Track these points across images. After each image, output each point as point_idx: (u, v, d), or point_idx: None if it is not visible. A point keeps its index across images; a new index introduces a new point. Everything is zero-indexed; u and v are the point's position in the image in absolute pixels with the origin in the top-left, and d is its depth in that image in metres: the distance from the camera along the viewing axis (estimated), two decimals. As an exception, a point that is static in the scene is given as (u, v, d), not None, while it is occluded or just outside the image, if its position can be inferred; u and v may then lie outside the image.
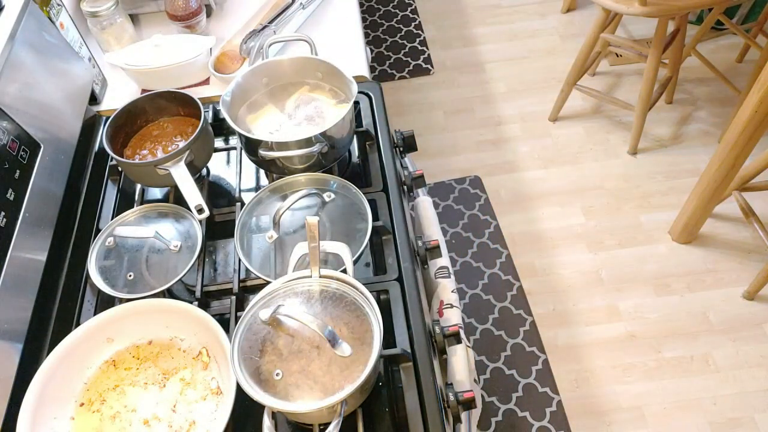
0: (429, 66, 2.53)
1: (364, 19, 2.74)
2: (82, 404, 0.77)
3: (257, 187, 1.05)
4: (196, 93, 1.14)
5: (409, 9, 2.79)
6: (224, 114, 0.94)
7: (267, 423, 0.68)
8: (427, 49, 2.60)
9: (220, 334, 0.77)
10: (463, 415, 0.80)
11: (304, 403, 0.64)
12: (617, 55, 2.46)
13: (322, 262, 0.77)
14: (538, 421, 1.61)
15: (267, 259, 0.87)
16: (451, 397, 0.78)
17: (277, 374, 0.65)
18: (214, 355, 0.80)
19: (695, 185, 1.80)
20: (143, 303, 0.82)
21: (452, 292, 0.95)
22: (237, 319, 0.82)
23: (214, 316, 0.79)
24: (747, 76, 2.16)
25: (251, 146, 0.94)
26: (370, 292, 0.72)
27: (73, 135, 1.00)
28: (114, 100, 1.23)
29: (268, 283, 0.76)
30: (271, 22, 1.30)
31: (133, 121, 1.01)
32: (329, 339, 0.65)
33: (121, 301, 0.83)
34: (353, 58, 1.28)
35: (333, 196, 0.92)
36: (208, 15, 1.38)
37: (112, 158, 1.04)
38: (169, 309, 0.81)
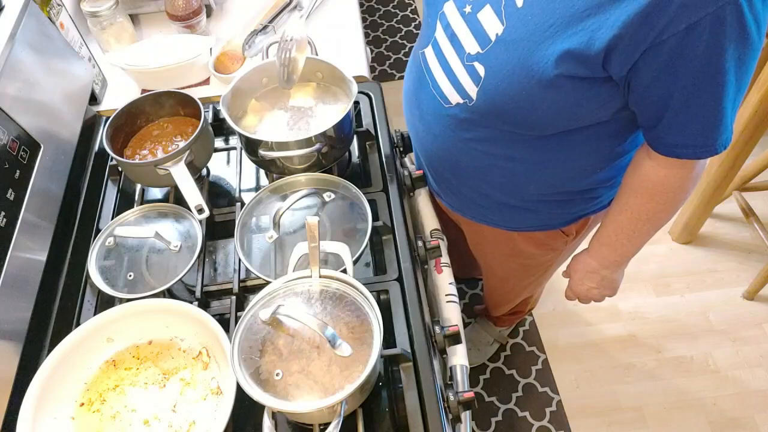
0: (429, 66, 2.53)
1: (364, 19, 2.74)
2: (82, 404, 0.77)
3: (257, 187, 1.05)
4: (196, 93, 1.14)
5: (409, 9, 2.79)
6: (224, 114, 0.94)
7: (267, 423, 0.68)
8: (427, 49, 2.60)
9: (220, 334, 0.77)
10: (463, 415, 0.80)
11: (304, 403, 0.64)
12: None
13: (322, 262, 0.77)
14: (538, 421, 1.61)
15: (267, 259, 0.87)
16: (451, 397, 0.78)
17: (277, 374, 0.65)
18: (214, 355, 0.80)
19: (695, 185, 1.80)
20: (143, 303, 0.81)
21: (450, 284, 0.95)
22: (237, 319, 0.82)
23: (214, 316, 0.79)
24: (747, 76, 2.16)
25: (251, 146, 0.94)
26: (370, 292, 0.72)
27: (73, 135, 1.00)
28: (114, 100, 1.23)
29: (268, 283, 0.76)
30: (271, 22, 1.30)
31: (133, 121, 1.01)
32: (329, 339, 0.65)
33: (121, 301, 0.83)
34: (353, 58, 1.28)
35: (333, 196, 0.91)
36: (208, 15, 1.37)
37: (112, 158, 1.04)
38: (169, 309, 0.81)
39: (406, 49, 2.62)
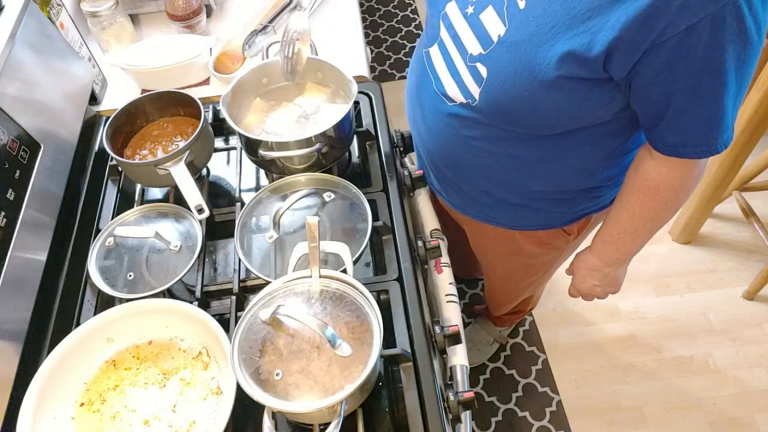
0: (429, 66, 2.53)
1: (364, 19, 2.74)
2: (82, 404, 0.77)
3: (257, 187, 1.05)
4: (196, 93, 1.14)
5: (409, 9, 2.79)
6: (224, 114, 0.94)
7: (267, 423, 0.68)
8: (427, 49, 2.60)
9: (220, 334, 0.77)
10: (463, 416, 0.80)
11: (304, 403, 0.64)
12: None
13: (322, 262, 0.77)
14: (538, 421, 1.61)
15: (267, 259, 0.87)
16: (451, 397, 0.78)
17: (277, 374, 0.65)
18: (214, 355, 0.80)
19: (695, 185, 1.80)
20: (143, 303, 0.81)
21: (450, 284, 0.95)
22: (237, 319, 0.82)
23: (214, 316, 0.79)
24: (747, 76, 2.16)
25: (251, 146, 0.94)
26: (370, 292, 0.72)
27: (73, 135, 1.00)
28: (114, 100, 1.23)
29: (268, 283, 0.76)
30: (271, 22, 1.30)
31: (133, 121, 1.01)
32: (329, 339, 0.65)
33: (121, 301, 0.83)
34: (353, 58, 1.28)
35: (333, 196, 0.91)
36: (208, 15, 1.37)
37: (112, 158, 1.04)
38: (169, 309, 0.81)
39: (406, 49, 2.62)
